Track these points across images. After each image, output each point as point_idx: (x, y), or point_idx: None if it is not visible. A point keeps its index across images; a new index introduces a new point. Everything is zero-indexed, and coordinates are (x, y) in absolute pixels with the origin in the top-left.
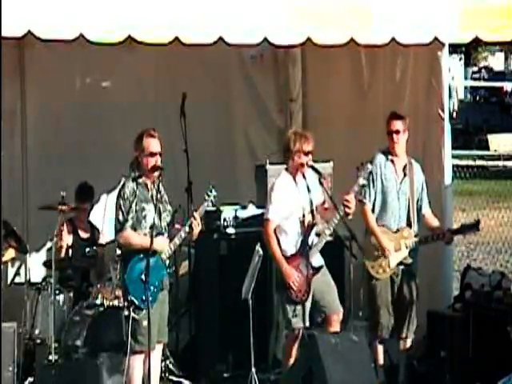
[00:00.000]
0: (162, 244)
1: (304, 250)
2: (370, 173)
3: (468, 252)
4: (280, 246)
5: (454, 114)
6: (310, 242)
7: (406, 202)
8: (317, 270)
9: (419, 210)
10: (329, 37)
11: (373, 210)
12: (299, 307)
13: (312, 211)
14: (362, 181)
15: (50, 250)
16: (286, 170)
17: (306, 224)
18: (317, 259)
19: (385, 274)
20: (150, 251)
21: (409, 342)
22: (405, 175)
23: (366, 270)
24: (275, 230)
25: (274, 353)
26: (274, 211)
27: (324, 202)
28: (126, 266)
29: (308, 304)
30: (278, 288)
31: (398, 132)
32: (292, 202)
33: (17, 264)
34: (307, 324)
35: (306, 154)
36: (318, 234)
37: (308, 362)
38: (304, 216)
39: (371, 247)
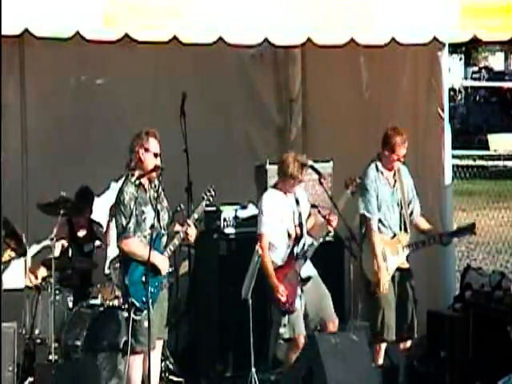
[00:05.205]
0: (163, 264)
1: (292, 260)
2: (360, 185)
3: (468, 252)
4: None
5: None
6: (298, 253)
7: (399, 208)
8: (305, 280)
9: (411, 213)
10: (329, 37)
11: None
12: (287, 318)
13: (300, 224)
14: (349, 193)
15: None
16: (275, 187)
17: (293, 236)
18: (306, 269)
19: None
20: (149, 258)
21: (409, 343)
22: (395, 181)
23: (365, 277)
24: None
25: (274, 353)
26: (267, 225)
27: (309, 216)
28: (127, 267)
29: (300, 313)
30: (270, 298)
31: (399, 159)
32: (281, 215)
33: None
34: (304, 332)
35: (300, 181)
36: (308, 246)
37: (308, 362)
38: (291, 228)
39: (370, 256)
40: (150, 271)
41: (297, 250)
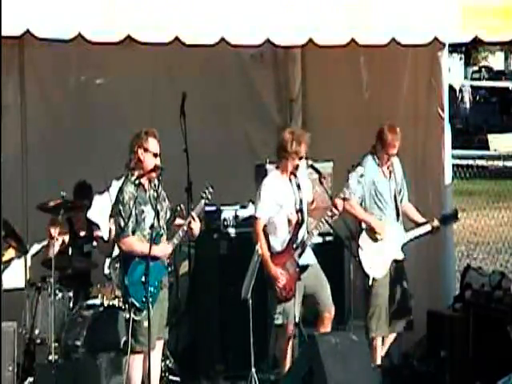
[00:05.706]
0: (164, 250)
1: (291, 248)
2: (362, 175)
3: (468, 252)
4: (268, 243)
5: None
6: (298, 241)
7: (394, 198)
8: (304, 268)
9: (400, 201)
10: (330, 37)
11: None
12: (283, 305)
13: (301, 210)
14: (352, 183)
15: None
16: (277, 168)
17: (294, 222)
18: (305, 258)
19: (382, 272)
20: (149, 256)
21: (393, 336)
22: (390, 172)
23: (363, 270)
24: (265, 227)
25: (274, 353)
26: (262, 209)
27: (313, 201)
28: (126, 267)
29: (295, 302)
30: (268, 285)
31: (389, 158)
32: (280, 200)
33: (14, 264)
34: (297, 320)
35: (300, 158)
36: (308, 233)
37: (308, 362)
38: (292, 214)
39: (367, 245)
40: (151, 261)
41: (298, 237)
